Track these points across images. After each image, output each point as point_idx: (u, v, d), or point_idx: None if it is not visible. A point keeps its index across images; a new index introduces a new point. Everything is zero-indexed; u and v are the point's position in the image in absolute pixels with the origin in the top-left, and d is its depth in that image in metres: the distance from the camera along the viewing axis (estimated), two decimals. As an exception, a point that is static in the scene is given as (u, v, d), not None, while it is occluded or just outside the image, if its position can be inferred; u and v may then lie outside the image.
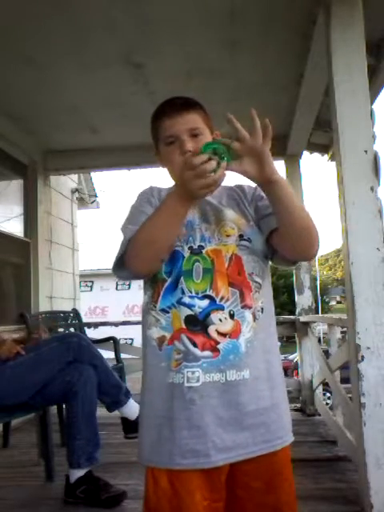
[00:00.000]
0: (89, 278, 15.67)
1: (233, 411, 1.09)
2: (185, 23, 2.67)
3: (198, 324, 1.09)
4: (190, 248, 1.15)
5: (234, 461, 1.09)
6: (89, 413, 2.35)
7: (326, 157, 4.45)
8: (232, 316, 1.10)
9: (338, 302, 46.25)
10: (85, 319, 4.64)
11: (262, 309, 1.16)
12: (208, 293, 1.11)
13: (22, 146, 4.24)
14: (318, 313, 16.62)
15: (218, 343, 1.08)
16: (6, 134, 3.91)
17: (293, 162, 4.40)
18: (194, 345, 1.08)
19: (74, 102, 3.55)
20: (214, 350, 1.08)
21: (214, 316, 1.09)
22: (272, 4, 2.52)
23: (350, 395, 2.47)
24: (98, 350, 2.59)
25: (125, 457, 2.93)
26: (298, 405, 4.21)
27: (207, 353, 1.08)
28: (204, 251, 1.14)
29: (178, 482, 1.08)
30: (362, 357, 2.03)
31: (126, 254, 1.13)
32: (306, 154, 4.46)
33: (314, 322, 4.29)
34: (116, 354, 4.01)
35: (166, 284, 1.15)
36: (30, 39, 2.76)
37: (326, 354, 3.80)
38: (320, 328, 9.25)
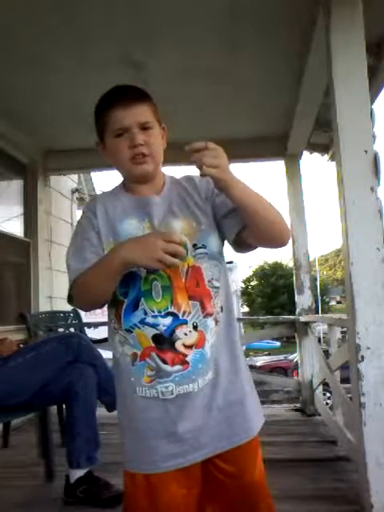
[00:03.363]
0: (89, 278, 15.62)
1: (206, 412, 1.14)
2: (185, 23, 2.67)
3: (164, 342, 1.11)
4: (147, 269, 1.12)
5: (211, 455, 1.15)
6: (89, 413, 2.35)
7: (326, 157, 4.45)
8: (195, 327, 1.12)
9: (338, 302, 46.24)
10: (85, 319, 4.63)
11: (222, 308, 1.18)
12: (170, 310, 1.12)
13: (21, 146, 4.24)
14: (318, 313, 16.61)
15: (186, 356, 1.11)
16: (6, 134, 3.91)
17: (293, 162, 4.40)
18: (164, 362, 1.11)
19: (74, 101, 3.55)
20: (184, 363, 1.12)
21: (179, 331, 1.11)
22: (272, 4, 2.52)
23: (349, 395, 2.47)
24: (98, 349, 2.59)
25: (125, 457, 2.93)
26: (298, 405, 4.21)
27: (178, 367, 1.11)
28: (160, 271, 1.12)
29: (154, 477, 1.13)
30: (362, 357, 2.03)
31: (72, 292, 1.17)
32: (305, 154, 4.46)
33: (314, 322, 4.29)
34: (116, 354, 4.00)
35: (124, 306, 1.15)
36: (31, 39, 2.76)
37: (326, 353, 3.80)
38: (320, 328, 9.24)
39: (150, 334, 1.12)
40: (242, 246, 1.18)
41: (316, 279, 34.10)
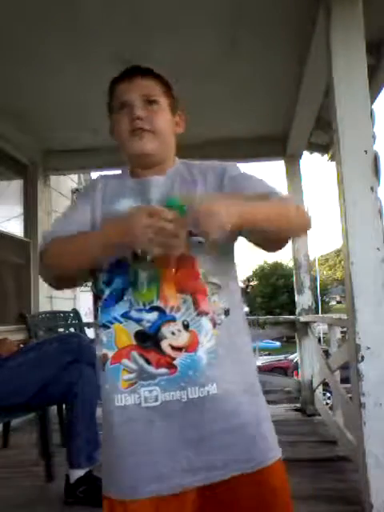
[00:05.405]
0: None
1: (200, 430, 0.98)
2: (184, 23, 2.67)
3: (147, 340, 0.98)
4: (134, 254, 0.99)
5: (205, 483, 0.98)
6: (89, 413, 2.35)
7: (326, 157, 4.45)
8: (186, 327, 0.98)
9: (338, 302, 46.26)
10: (85, 319, 4.64)
11: (226, 311, 1.03)
12: (156, 304, 0.99)
13: (21, 146, 4.24)
14: (318, 313, 16.61)
15: (173, 359, 0.98)
16: (6, 134, 3.91)
17: (293, 162, 4.40)
18: (148, 362, 0.98)
19: (74, 101, 3.55)
20: (171, 366, 0.98)
21: (166, 329, 0.98)
22: (272, 4, 2.52)
23: (350, 395, 2.47)
24: (98, 350, 2.59)
25: (125, 457, 2.93)
26: (298, 405, 4.21)
27: (163, 370, 0.98)
28: (148, 258, 0.97)
29: (132, 504, 0.97)
30: (362, 357, 2.03)
31: (46, 248, 1.06)
32: (306, 153, 4.46)
33: (314, 322, 4.29)
34: (116, 354, 4.00)
35: (105, 296, 1.03)
36: (31, 39, 2.76)
37: (326, 353, 3.80)
38: (320, 328, 9.24)
39: (132, 330, 0.99)
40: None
41: (316, 279, 34.10)
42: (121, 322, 1.01)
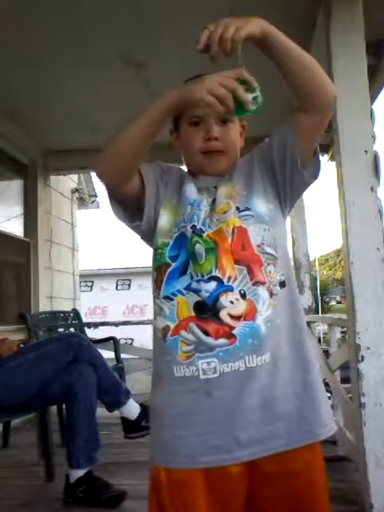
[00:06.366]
0: (89, 278, 15.67)
1: (257, 400, 0.98)
2: (185, 23, 2.66)
3: (207, 310, 1.00)
4: (193, 227, 1.05)
5: (264, 455, 0.98)
6: (88, 413, 2.35)
7: (326, 157, 4.44)
8: (243, 296, 1.00)
9: (338, 302, 46.20)
10: (85, 319, 4.64)
11: (282, 283, 1.05)
12: (214, 274, 1.01)
13: (22, 146, 4.24)
14: (318, 313, 16.61)
15: (232, 328, 0.98)
16: (6, 134, 3.91)
17: (293, 162, 4.39)
18: (206, 333, 0.99)
19: (74, 101, 3.55)
20: (230, 336, 0.98)
21: (224, 299, 0.99)
22: (272, 4, 2.52)
23: (350, 395, 2.47)
24: (98, 349, 2.59)
25: (125, 457, 2.93)
26: (298, 405, 4.21)
27: (223, 340, 0.98)
28: (204, 234, 1.04)
29: (182, 473, 0.99)
30: (362, 357, 2.03)
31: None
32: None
33: (314, 322, 4.29)
34: (116, 354, 4.01)
35: (170, 269, 1.05)
36: (31, 39, 2.76)
37: (326, 353, 3.80)
38: (320, 328, 9.24)
39: (192, 301, 1.01)
40: (307, 143, 1.10)
41: (316, 279, 34.06)
42: (183, 295, 1.03)
